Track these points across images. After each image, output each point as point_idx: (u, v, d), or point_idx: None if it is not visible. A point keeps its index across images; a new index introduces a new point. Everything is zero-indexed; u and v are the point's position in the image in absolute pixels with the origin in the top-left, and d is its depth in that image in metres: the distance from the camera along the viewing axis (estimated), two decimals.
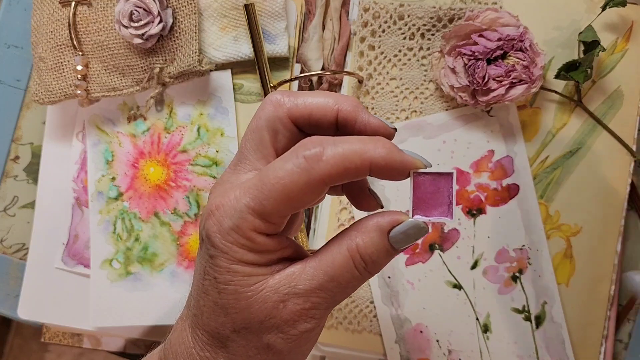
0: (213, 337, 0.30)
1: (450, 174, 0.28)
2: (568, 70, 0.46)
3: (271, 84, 0.48)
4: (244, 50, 0.49)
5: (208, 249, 0.28)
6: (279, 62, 0.50)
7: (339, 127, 0.30)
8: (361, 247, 0.28)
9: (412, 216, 0.28)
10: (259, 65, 0.48)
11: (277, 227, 0.28)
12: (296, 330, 0.29)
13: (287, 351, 0.29)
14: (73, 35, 0.48)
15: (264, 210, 0.27)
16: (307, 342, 0.30)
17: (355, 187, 0.32)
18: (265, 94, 0.48)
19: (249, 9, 0.48)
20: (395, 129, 0.30)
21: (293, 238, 0.33)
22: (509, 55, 0.45)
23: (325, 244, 0.29)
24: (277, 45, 0.49)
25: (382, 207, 0.33)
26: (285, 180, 0.26)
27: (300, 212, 0.34)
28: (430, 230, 0.29)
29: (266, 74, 0.48)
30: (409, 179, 0.28)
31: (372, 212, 0.30)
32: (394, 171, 0.27)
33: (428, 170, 0.28)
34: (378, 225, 0.28)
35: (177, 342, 0.31)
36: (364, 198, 0.32)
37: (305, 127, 0.30)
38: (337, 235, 0.29)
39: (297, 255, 0.30)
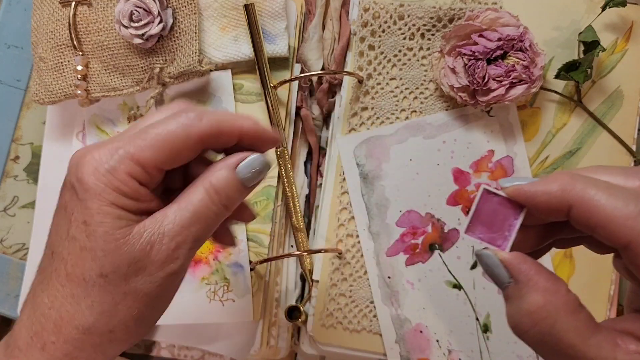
0: (76, 285, 0.29)
1: (523, 207, 0.27)
2: (568, 70, 0.46)
3: (271, 84, 0.48)
4: (244, 50, 0.49)
5: (78, 193, 0.29)
6: (279, 62, 0.50)
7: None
8: (214, 182, 0.31)
9: (466, 230, 0.28)
10: (259, 66, 0.48)
11: (152, 180, 0.30)
12: (163, 273, 0.30)
13: (154, 295, 0.30)
14: (73, 35, 0.48)
15: (144, 157, 0.29)
16: (172, 286, 0.31)
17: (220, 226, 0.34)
18: (266, 94, 0.48)
19: (249, 9, 0.47)
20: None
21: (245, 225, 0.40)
22: (509, 55, 0.45)
23: (182, 193, 0.31)
24: (277, 45, 0.49)
25: (235, 245, 0.37)
26: (166, 133, 0.29)
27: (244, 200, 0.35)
28: (272, 165, 0.33)
29: (266, 74, 0.48)
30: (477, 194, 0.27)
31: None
32: (258, 139, 0.32)
33: (500, 192, 0.27)
34: (226, 163, 0.31)
35: (25, 323, 0.30)
36: (224, 233, 0.36)
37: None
38: (191, 185, 0.31)
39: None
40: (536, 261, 0.27)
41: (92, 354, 0.30)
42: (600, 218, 0.24)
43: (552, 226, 0.28)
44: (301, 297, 0.51)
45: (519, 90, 0.45)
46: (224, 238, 0.36)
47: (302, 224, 0.49)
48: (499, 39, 0.44)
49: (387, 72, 0.49)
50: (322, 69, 0.50)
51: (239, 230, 0.48)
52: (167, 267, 0.30)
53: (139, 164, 0.29)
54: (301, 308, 0.47)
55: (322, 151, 0.52)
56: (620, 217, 0.24)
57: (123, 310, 0.30)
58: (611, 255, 0.29)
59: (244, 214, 0.36)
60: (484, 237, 0.27)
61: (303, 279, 0.51)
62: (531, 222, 0.28)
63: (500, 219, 0.27)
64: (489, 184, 0.28)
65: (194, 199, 0.30)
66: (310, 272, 0.49)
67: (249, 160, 0.32)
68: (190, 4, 0.47)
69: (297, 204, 0.48)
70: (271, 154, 0.47)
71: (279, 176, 0.48)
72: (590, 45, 0.46)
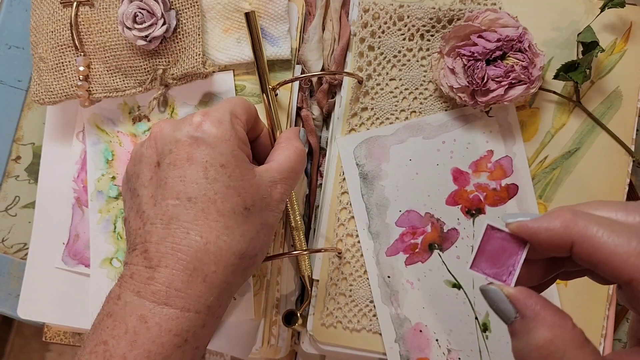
0: (229, 218, 0.34)
1: (526, 242, 0.27)
2: (567, 70, 0.47)
3: (270, 86, 0.48)
4: (247, 52, 0.49)
5: (207, 142, 0.35)
6: (281, 64, 0.50)
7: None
8: (299, 146, 0.41)
9: (471, 266, 0.28)
10: (259, 73, 0.48)
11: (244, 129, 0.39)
12: (280, 207, 0.38)
13: (274, 226, 0.39)
14: (75, 36, 0.48)
15: (241, 113, 0.39)
16: (280, 219, 0.40)
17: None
18: (267, 96, 0.48)
19: (249, 17, 0.47)
20: None
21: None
22: (508, 56, 0.45)
23: (273, 153, 0.41)
24: (280, 47, 0.49)
25: None
26: (242, 100, 0.41)
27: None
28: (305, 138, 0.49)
29: (266, 80, 0.48)
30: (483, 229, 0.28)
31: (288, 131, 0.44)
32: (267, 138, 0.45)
33: (503, 228, 0.28)
34: (294, 134, 0.43)
35: (176, 267, 0.33)
36: None
37: None
38: (276, 147, 0.41)
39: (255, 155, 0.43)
40: (541, 295, 0.27)
41: (240, 277, 0.36)
42: (602, 255, 0.24)
43: (555, 260, 0.28)
44: (301, 297, 0.51)
45: (518, 90, 0.45)
46: None
47: (299, 223, 0.49)
48: (498, 40, 0.45)
49: (387, 73, 0.49)
50: (322, 69, 0.50)
51: None
52: (280, 206, 0.38)
53: (238, 118, 0.38)
54: (298, 314, 0.47)
55: (322, 151, 0.52)
56: (623, 254, 0.24)
57: (262, 238, 0.37)
58: None
59: None
60: (489, 272, 0.28)
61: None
62: (535, 257, 0.28)
63: (505, 254, 0.28)
64: (492, 222, 0.28)
65: (290, 158, 0.39)
66: (309, 276, 0.49)
67: (302, 131, 0.47)
68: (194, 5, 0.48)
69: (296, 204, 0.48)
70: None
71: None
72: (589, 46, 0.46)
